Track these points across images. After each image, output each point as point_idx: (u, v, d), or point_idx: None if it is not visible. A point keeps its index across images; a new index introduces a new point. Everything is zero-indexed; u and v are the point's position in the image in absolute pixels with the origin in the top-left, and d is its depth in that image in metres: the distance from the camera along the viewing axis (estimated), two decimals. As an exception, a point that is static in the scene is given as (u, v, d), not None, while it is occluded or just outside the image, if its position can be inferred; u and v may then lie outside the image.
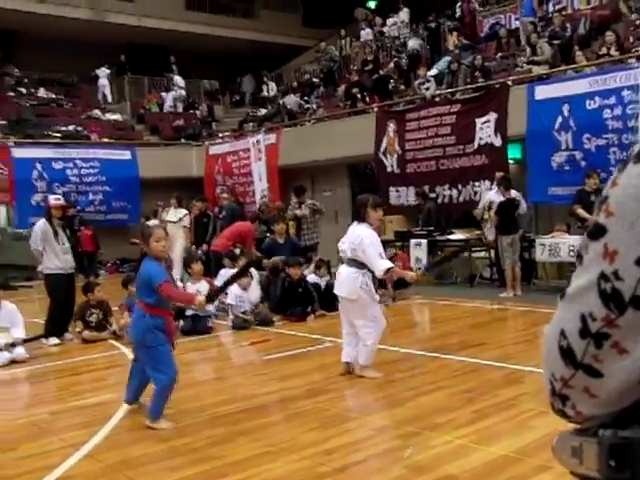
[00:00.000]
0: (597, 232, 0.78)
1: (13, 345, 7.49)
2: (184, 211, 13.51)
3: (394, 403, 5.20)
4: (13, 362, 7.40)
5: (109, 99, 22.23)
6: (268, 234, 11.69)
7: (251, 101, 22.73)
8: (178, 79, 22.10)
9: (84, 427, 4.99)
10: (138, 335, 4.93)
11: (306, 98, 19.54)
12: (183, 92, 22.06)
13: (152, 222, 14.58)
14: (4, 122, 18.03)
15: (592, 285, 0.77)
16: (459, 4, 17.67)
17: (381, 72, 16.42)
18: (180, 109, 22.03)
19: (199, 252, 12.41)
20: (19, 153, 16.24)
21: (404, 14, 19.60)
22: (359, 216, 6.08)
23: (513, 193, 10.46)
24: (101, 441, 4.64)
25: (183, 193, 15.07)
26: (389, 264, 5.87)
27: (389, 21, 20.14)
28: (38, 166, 16.40)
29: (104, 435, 4.76)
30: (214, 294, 6.22)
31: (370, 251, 5.79)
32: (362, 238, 5.84)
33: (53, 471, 4.09)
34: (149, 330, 4.81)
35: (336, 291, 6.24)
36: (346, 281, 6.01)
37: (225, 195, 15.14)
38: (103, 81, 22.45)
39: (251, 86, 23.34)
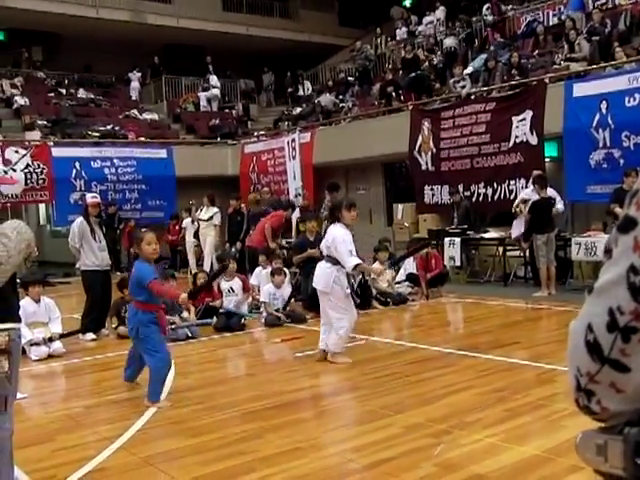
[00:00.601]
0: (627, 225, 0.77)
1: (51, 340, 7.65)
2: (215, 209, 13.65)
3: (425, 401, 5.18)
4: (50, 356, 7.56)
5: (138, 101, 22.58)
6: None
7: (286, 98, 22.80)
8: (214, 79, 22.25)
9: (118, 421, 5.08)
10: (132, 330, 5.57)
11: (341, 97, 19.56)
12: (217, 92, 22.17)
13: (186, 220, 14.77)
14: (44, 122, 18.37)
15: (621, 278, 0.76)
16: (487, 5, 17.49)
17: (418, 71, 16.31)
18: (215, 108, 22.16)
19: (233, 250, 12.52)
20: (58, 152, 16.53)
21: (440, 12, 19.47)
22: (334, 217, 6.71)
23: (549, 192, 10.32)
24: (135, 434, 4.72)
25: (218, 191, 15.23)
26: (357, 260, 6.44)
27: (425, 19, 20.04)
28: (77, 165, 16.67)
29: (137, 429, 4.84)
30: (195, 291, 6.66)
31: (341, 249, 6.41)
32: (335, 237, 6.48)
33: (88, 463, 4.17)
34: (142, 324, 5.42)
35: (314, 284, 6.86)
36: (322, 275, 6.63)
37: (266, 189, 15.65)
38: (134, 84, 22.78)
39: (269, 81, 23.54)
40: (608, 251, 0.81)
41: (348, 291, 6.68)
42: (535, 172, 10.90)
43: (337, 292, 6.54)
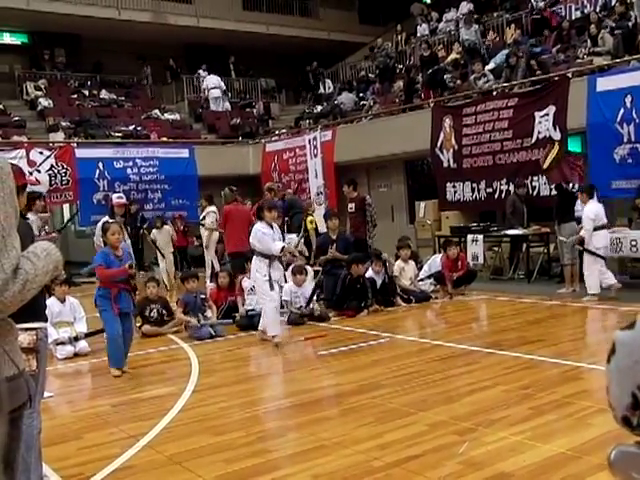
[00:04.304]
0: None
1: (76, 339, 7.74)
2: (210, 209, 13.31)
3: (449, 399, 5.17)
4: (76, 355, 7.66)
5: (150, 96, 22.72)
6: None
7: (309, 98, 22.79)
8: (211, 79, 21.95)
9: (144, 419, 5.12)
10: (94, 301, 6.78)
11: (362, 95, 19.52)
12: (217, 92, 21.89)
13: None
14: (67, 123, 18.55)
15: None
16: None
17: (435, 67, 16.24)
18: (221, 107, 21.98)
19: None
20: (82, 153, 16.66)
21: (465, 7, 19.27)
22: (259, 216, 7.99)
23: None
24: (160, 433, 4.76)
25: (240, 190, 15.26)
26: (282, 244, 7.85)
27: (446, 16, 19.90)
28: (100, 165, 16.79)
29: (163, 427, 4.88)
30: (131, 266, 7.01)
31: (265, 240, 7.71)
32: (256, 231, 7.81)
33: (114, 461, 4.21)
34: (99, 297, 6.64)
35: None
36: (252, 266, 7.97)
37: (290, 190, 15.90)
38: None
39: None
40: None
41: (266, 278, 7.70)
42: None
43: (258, 280, 7.80)
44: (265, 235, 7.73)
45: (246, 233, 10.36)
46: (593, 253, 9.25)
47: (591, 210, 9.30)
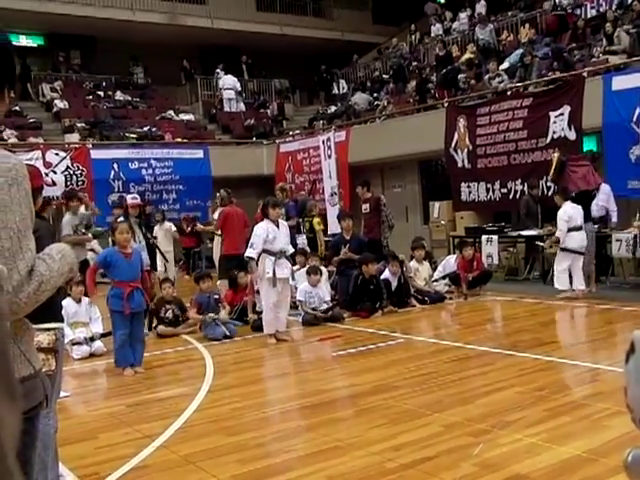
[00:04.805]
0: None
1: (92, 339, 7.78)
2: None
3: (464, 400, 5.14)
4: (92, 355, 7.70)
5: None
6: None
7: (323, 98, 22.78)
8: (227, 79, 22.00)
9: (159, 419, 5.14)
10: (107, 302, 6.80)
11: (376, 95, 19.49)
12: (231, 93, 21.93)
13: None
14: (83, 125, 18.66)
15: None
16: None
17: (449, 66, 16.19)
18: (235, 108, 22.01)
19: None
20: (97, 154, 16.77)
21: (480, 7, 19.17)
22: (265, 214, 8.04)
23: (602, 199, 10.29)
24: (175, 433, 4.77)
25: (255, 191, 15.26)
26: (248, 254, 7.89)
27: (461, 15, 19.83)
28: (115, 166, 16.90)
29: (177, 427, 4.90)
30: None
31: (255, 240, 7.83)
32: (256, 229, 7.95)
33: (130, 461, 4.23)
34: (112, 297, 6.67)
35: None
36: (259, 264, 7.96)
37: (302, 192, 16.01)
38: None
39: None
40: None
41: (269, 275, 7.78)
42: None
43: (263, 277, 7.91)
44: (256, 236, 7.87)
45: (243, 235, 10.42)
46: (571, 251, 9.61)
47: (565, 212, 9.67)
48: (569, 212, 9.66)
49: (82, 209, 10.74)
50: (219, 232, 11.07)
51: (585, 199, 10.09)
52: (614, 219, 10.43)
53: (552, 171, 11.18)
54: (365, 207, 11.19)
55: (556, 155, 11.17)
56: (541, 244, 10.87)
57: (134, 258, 6.88)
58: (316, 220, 12.38)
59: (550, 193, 11.97)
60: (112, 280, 6.84)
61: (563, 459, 3.82)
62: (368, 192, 11.27)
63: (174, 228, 13.61)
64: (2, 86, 1.83)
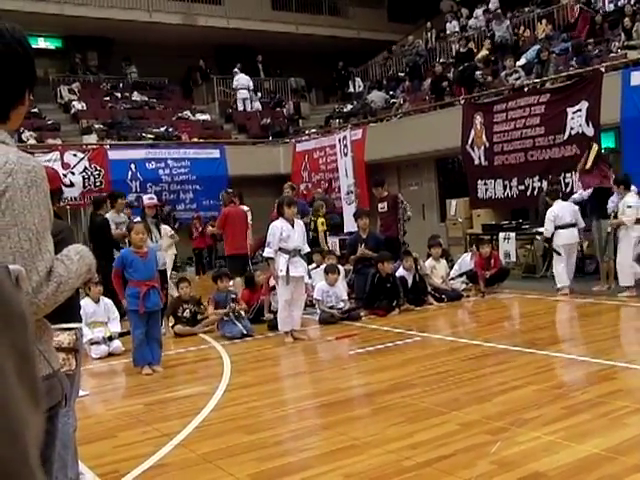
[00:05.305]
0: None
1: (110, 339, 7.85)
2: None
3: (481, 398, 5.13)
4: (110, 355, 7.76)
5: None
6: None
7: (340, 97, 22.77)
8: (242, 79, 22.04)
9: (177, 418, 5.18)
10: (125, 300, 6.85)
11: (392, 93, 19.45)
12: (245, 93, 21.95)
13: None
14: (100, 126, 18.79)
15: None
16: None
17: (466, 63, 16.12)
18: (249, 107, 22.05)
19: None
20: (114, 155, 16.88)
21: (493, 4, 19.12)
22: (280, 213, 8.04)
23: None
24: (193, 431, 4.80)
25: (272, 190, 15.26)
26: (266, 254, 8.00)
27: (476, 12, 19.75)
28: (132, 167, 17.00)
29: (195, 426, 4.92)
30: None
31: (268, 240, 7.93)
32: (272, 227, 7.98)
33: (148, 459, 4.26)
34: (128, 296, 6.76)
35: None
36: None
37: (319, 190, 16.16)
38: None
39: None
40: None
41: (282, 273, 7.83)
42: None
43: (278, 274, 7.93)
44: (271, 235, 7.91)
45: (244, 235, 10.44)
46: (554, 251, 10.00)
47: (552, 212, 9.99)
48: (555, 211, 9.92)
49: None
50: (220, 232, 11.11)
51: (602, 195, 9.99)
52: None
53: (589, 162, 10.96)
54: (382, 205, 11.17)
55: (595, 146, 11.00)
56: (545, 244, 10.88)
57: (149, 258, 6.96)
58: (320, 220, 12.38)
59: (568, 190, 11.89)
60: (129, 280, 6.92)
61: (581, 457, 3.80)
62: (384, 190, 11.25)
63: (171, 232, 12.99)
64: (23, 88, 1.86)
